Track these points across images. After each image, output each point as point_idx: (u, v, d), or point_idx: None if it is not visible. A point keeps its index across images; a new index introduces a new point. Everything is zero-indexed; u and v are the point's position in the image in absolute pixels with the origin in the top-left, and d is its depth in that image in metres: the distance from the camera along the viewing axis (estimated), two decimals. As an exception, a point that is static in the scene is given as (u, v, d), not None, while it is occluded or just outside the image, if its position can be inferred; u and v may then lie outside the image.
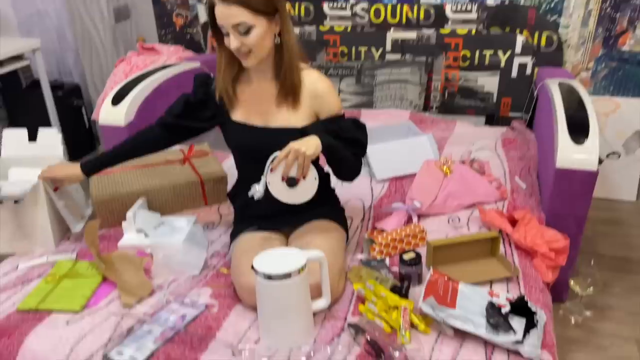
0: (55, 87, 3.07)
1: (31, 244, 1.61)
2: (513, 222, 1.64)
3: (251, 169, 1.50)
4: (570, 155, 1.70)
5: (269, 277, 1.15)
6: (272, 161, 1.32)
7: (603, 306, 1.96)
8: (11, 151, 1.78)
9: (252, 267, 1.17)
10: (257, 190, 1.33)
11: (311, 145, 1.29)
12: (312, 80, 1.43)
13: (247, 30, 1.30)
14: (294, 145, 1.28)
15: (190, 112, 1.53)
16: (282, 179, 1.34)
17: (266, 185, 1.34)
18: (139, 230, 1.64)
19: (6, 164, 1.72)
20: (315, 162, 1.56)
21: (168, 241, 1.57)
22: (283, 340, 1.20)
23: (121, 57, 2.93)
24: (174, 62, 2.66)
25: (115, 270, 1.47)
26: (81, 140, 3.26)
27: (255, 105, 1.46)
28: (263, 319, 1.24)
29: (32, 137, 1.79)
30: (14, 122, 3.26)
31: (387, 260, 1.53)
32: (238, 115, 1.49)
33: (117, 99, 2.20)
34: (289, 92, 1.41)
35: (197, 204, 1.85)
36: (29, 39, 2.99)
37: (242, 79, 1.48)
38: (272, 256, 1.21)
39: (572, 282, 1.83)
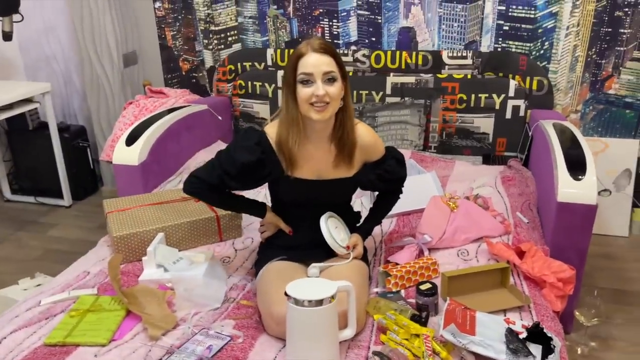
0: (62, 129, 3.13)
1: None
2: (519, 254, 1.71)
3: (291, 212, 1.60)
4: (571, 190, 1.80)
5: (302, 303, 1.20)
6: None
7: (607, 337, 2.02)
8: None
9: (285, 293, 1.22)
10: (314, 273, 1.53)
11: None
12: (359, 133, 1.55)
13: (333, 80, 1.42)
14: (360, 253, 1.61)
15: (246, 174, 1.53)
16: None
17: None
18: (158, 265, 1.67)
19: None
20: (347, 205, 1.69)
21: (189, 275, 1.60)
22: (310, 368, 1.24)
23: (129, 100, 3.02)
24: (181, 104, 2.75)
25: (139, 303, 1.50)
26: (85, 179, 3.30)
27: (311, 163, 1.54)
28: (292, 346, 1.27)
29: None
30: (18, 163, 3.30)
31: (403, 292, 1.59)
32: (293, 172, 1.54)
33: (130, 140, 2.27)
34: (348, 152, 1.53)
35: (213, 240, 1.89)
36: (39, 82, 3.07)
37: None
38: (304, 284, 1.26)
39: (577, 313, 1.89)
